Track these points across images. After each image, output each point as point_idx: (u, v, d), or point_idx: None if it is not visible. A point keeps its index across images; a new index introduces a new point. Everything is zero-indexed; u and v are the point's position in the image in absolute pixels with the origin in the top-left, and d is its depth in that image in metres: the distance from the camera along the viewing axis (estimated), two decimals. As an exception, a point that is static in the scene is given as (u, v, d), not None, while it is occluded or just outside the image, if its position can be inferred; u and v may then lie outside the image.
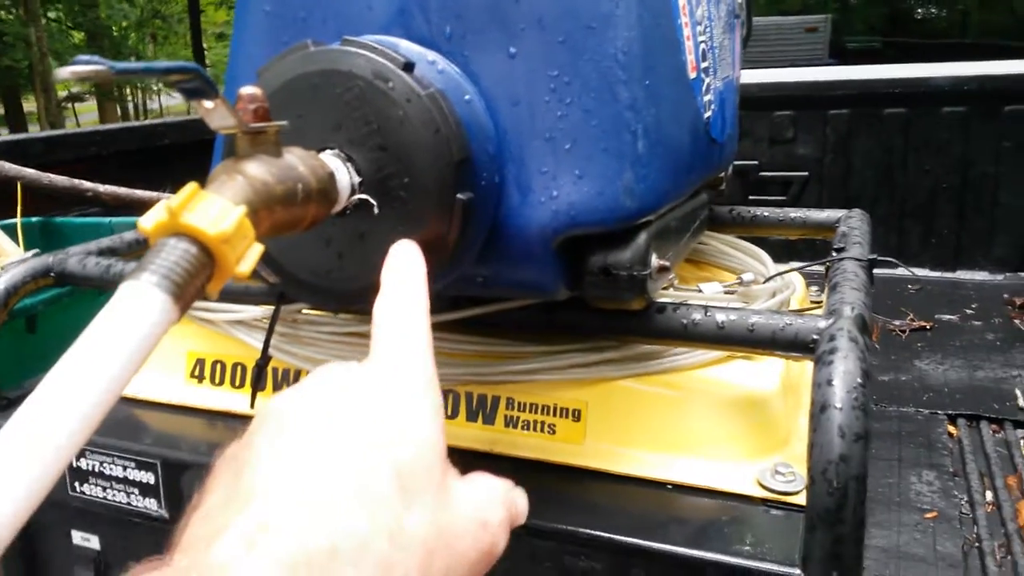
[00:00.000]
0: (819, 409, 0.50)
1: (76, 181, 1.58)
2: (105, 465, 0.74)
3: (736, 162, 2.73)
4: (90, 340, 0.31)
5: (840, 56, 4.18)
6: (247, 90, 0.43)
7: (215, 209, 0.36)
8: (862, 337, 0.54)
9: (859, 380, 0.50)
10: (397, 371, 0.35)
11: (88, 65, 0.33)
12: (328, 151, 0.50)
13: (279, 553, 0.26)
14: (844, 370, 0.51)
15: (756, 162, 2.64)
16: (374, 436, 0.31)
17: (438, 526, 0.31)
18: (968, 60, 2.50)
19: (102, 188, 1.58)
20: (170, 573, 0.26)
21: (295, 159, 0.44)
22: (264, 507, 0.28)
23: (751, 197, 2.65)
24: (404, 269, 0.42)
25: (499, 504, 0.36)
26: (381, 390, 0.34)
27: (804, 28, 4.20)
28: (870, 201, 2.59)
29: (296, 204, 0.43)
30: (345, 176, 0.49)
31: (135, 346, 0.32)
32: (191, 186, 0.36)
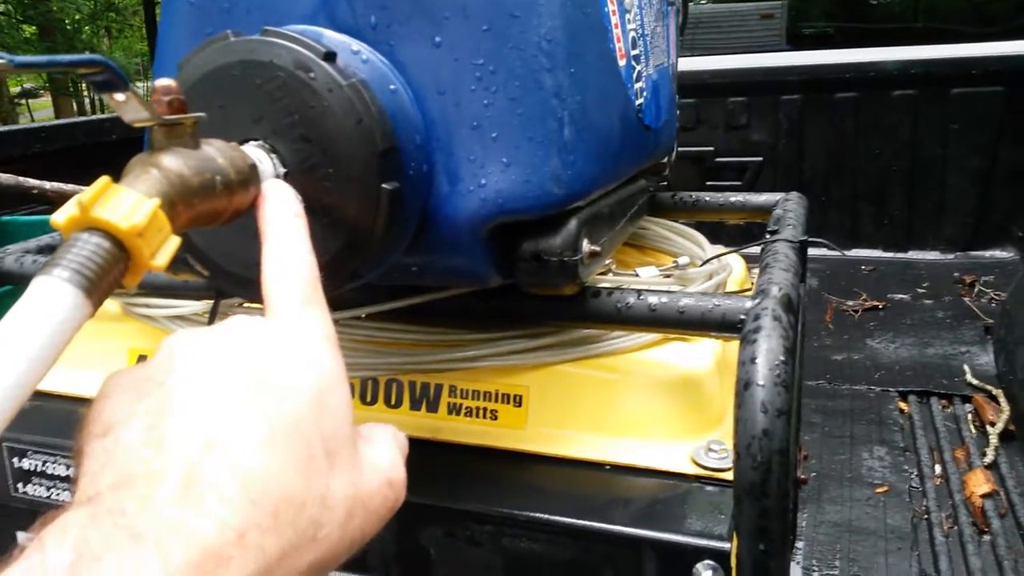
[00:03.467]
0: (743, 386, 0.51)
1: (20, 178, 1.54)
2: (48, 464, 0.74)
3: (692, 148, 2.75)
4: (2, 336, 0.31)
5: (796, 42, 4.21)
6: (162, 82, 0.43)
7: (127, 203, 0.36)
8: (787, 316, 0.55)
9: (781, 358, 0.51)
10: (301, 332, 0.36)
11: (-16, 59, 0.33)
12: (252, 143, 0.50)
13: (225, 514, 0.27)
14: (767, 348, 0.52)
15: (712, 148, 2.67)
16: (304, 399, 0.33)
17: (355, 487, 0.34)
18: (920, 44, 2.54)
19: (48, 185, 1.54)
20: (108, 513, 0.27)
21: (214, 151, 0.44)
22: (201, 464, 0.28)
23: (708, 183, 2.68)
24: (281, 214, 0.42)
25: (400, 460, 0.39)
26: (292, 354, 0.35)
27: (760, 15, 4.23)
28: (823, 184, 2.63)
29: (215, 196, 0.43)
30: (269, 167, 0.49)
31: (45, 341, 0.32)
32: (103, 180, 0.36)
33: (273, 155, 0.50)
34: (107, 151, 1.98)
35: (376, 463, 0.37)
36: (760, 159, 2.64)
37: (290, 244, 0.41)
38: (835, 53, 2.62)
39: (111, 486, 0.28)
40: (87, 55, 0.37)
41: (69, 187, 1.58)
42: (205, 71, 0.50)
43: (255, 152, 0.49)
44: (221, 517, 0.27)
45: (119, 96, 0.40)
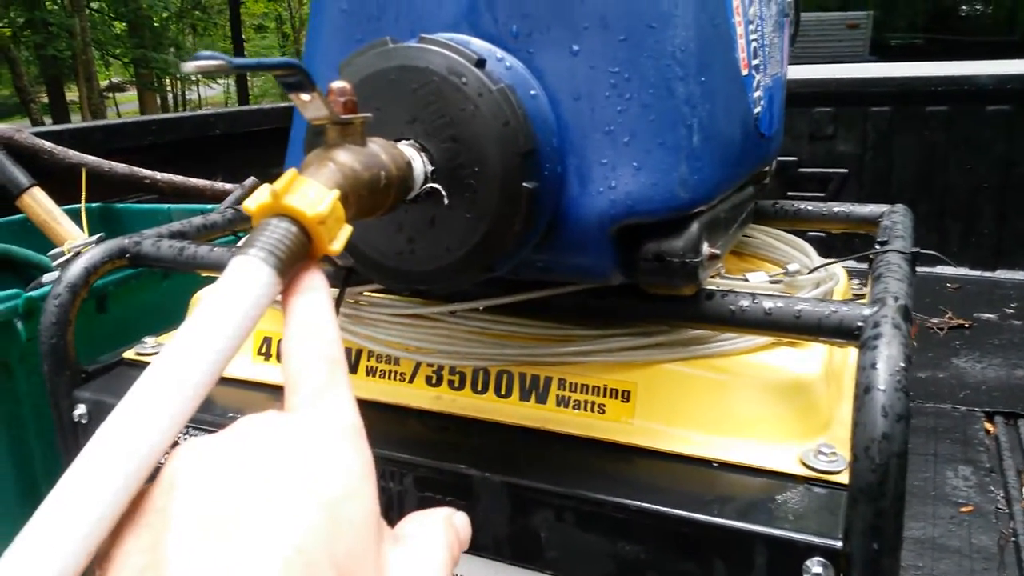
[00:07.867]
0: (863, 390, 0.52)
1: (135, 169, 1.64)
2: (180, 437, 0.79)
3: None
4: (210, 306, 0.35)
5: (882, 53, 4.13)
6: (338, 84, 0.47)
7: (312, 192, 0.40)
8: (905, 325, 0.57)
9: (902, 364, 0.53)
10: (315, 429, 0.32)
11: (211, 60, 0.37)
12: (404, 142, 0.54)
13: None
14: (888, 354, 0.53)
15: (795, 158, 2.64)
16: (310, 520, 0.28)
17: None
18: (1014, 59, 2.48)
19: (159, 176, 1.64)
20: None
21: (378, 148, 0.48)
22: None
23: (789, 194, 2.65)
24: (306, 287, 0.38)
25: (447, 563, 0.34)
26: (310, 456, 0.31)
27: (846, 24, 4.15)
28: (910, 199, 2.57)
29: (379, 190, 0.47)
30: (420, 165, 0.53)
31: (245, 313, 0.36)
32: (291, 171, 0.40)
33: (423, 154, 0.54)
34: (211, 145, 2.07)
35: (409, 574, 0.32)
36: (845, 171, 2.61)
37: (312, 318, 0.37)
38: (926, 65, 2.57)
39: None
40: (287, 59, 0.42)
41: (178, 178, 1.67)
42: (365, 74, 0.54)
43: (408, 151, 0.53)
44: None
45: (304, 96, 0.44)
